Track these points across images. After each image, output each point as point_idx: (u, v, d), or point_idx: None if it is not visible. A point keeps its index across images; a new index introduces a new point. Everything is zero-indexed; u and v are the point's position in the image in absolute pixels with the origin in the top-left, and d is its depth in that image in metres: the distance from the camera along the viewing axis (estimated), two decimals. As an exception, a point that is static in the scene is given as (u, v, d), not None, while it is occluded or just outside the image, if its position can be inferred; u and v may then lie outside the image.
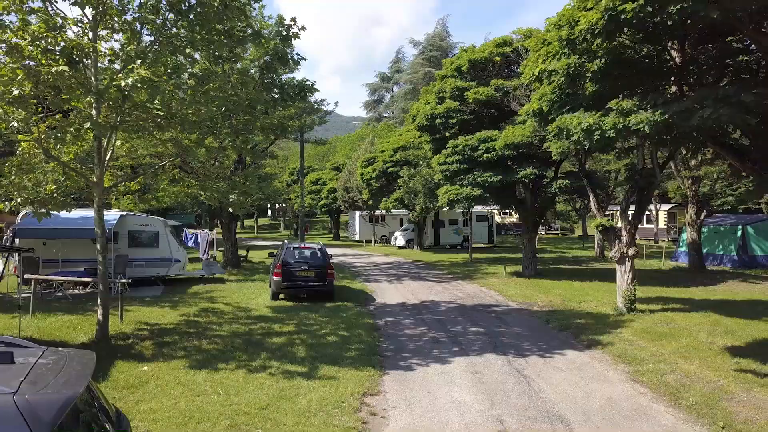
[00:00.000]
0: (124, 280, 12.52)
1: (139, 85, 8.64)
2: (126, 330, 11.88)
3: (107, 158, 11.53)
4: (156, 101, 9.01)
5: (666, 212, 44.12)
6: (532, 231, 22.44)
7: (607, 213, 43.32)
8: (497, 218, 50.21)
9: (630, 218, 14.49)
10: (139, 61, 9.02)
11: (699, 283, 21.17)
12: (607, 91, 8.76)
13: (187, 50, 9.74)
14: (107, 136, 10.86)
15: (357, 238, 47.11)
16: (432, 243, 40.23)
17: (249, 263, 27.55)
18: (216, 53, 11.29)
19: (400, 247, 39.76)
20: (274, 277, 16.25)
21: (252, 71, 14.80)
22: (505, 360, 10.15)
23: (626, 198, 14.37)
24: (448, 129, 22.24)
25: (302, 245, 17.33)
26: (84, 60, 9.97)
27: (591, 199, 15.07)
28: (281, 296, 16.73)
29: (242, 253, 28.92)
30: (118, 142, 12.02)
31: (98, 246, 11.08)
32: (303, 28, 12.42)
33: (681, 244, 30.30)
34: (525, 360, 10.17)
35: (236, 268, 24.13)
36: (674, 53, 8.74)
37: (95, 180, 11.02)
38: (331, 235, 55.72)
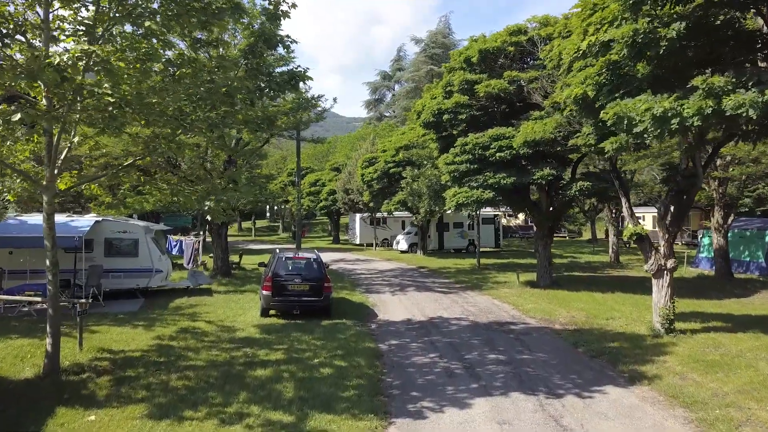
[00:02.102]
0: (83, 300, 10.72)
1: (79, 63, 6.84)
2: (83, 360, 10.06)
3: (62, 157, 9.78)
4: (106, 85, 7.22)
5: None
6: (547, 237, 20.62)
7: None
8: (503, 220, 48.37)
9: (668, 225, 12.68)
10: (83, 35, 7.23)
11: (730, 294, 19.40)
12: (666, 72, 6.95)
13: (147, 23, 7.94)
14: (59, 131, 9.11)
15: (357, 242, 45.28)
16: (436, 247, 38.42)
17: (241, 270, 25.72)
18: (187, 30, 9.47)
19: (402, 252, 37.92)
20: (264, 292, 14.44)
21: (241, 61, 13.01)
22: (536, 402, 8.34)
23: (665, 203, 12.55)
24: (456, 126, 20.43)
25: (295, 255, 15.49)
26: (23, 36, 8.19)
27: (623, 204, 13.25)
28: (272, 312, 14.94)
29: (234, 258, 27.09)
30: (77, 138, 10.23)
31: (48, 262, 9.29)
32: (294, 6, 10.64)
33: (702, 249, 28.49)
34: (560, 402, 8.36)
35: (226, 276, 22.31)
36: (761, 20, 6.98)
37: (45, 183, 9.24)
38: (331, 238, 53.89)
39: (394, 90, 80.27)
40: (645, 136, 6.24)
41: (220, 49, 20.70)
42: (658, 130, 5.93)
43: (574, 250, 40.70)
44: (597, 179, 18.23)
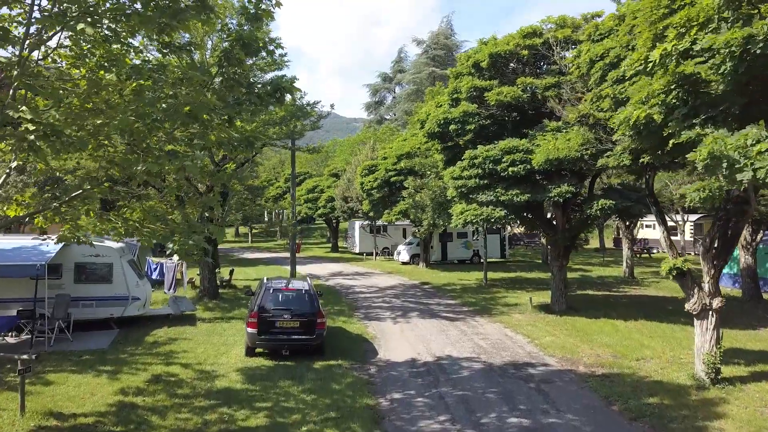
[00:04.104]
0: (26, 356, 9.01)
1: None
2: (23, 430, 8.35)
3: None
4: (23, 108, 5.52)
5: (693, 223, 40.63)
6: (563, 257, 18.88)
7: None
8: (507, 227, 46.61)
9: (714, 259, 10.97)
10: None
11: (764, 321, 17.70)
12: (758, 93, 5.22)
13: (80, 26, 6.23)
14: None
15: (357, 251, 43.51)
16: (439, 258, 36.62)
17: (231, 289, 23.95)
18: (154, 34, 7.75)
19: (403, 263, 36.14)
20: (249, 329, 12.72)
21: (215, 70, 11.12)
22: (577, 504, 6.63)
23: (711, 233, 10.83)
24: (463, 136, 18.72)
25: (284, 286, 13.75)
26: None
27: (661, 232, 11.55)
28: (259, 349, 13.21)
29: (225, 273, 25.32)
30: (15, 164, 8.52)
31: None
32: (278, 4, 8.93)
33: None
34: (608, 503, 6.65)
35: (213, 299, 20.54)
36: None
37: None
38: (329, 245, 52.10)
39: (394, 92, 78.61)
40: (747, 183, 4.57)
41: (208, 55, 19.00)
42: (781, 179, 4.28)
43: (582, 260, 38.94)
44: (620, 196, 16.49)
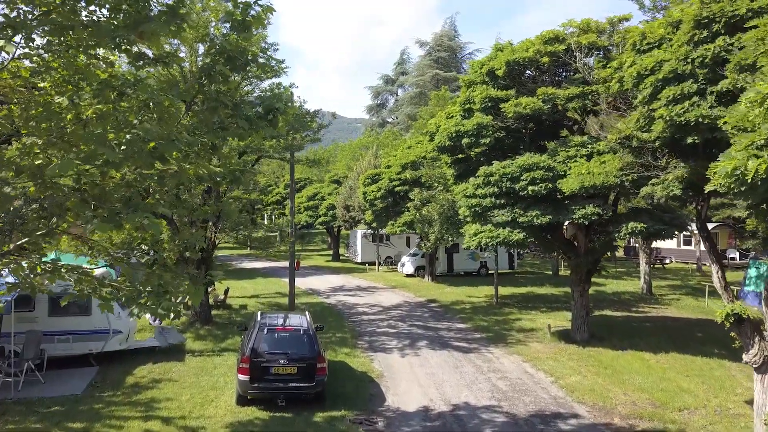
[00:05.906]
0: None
1: None
2: None
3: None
4: None
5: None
6: (585, 282, 17.39)
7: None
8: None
9: (777, 303, 9.46)
10: None
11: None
12: None
13: (1, 43, 4.74)
14: None
15: (359, 260, 42.00)
16: (444, 270, 35.09)
17: (226, 310, 22.47)
18: (126, 45, 6.23)
19: (407, 275, 34.62)
20: (240, 376, 11.22)
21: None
22: None
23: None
24: (475, 147, 17.23)
25: (280, 326, 12.21)
26: None
27: (714, 272, 10.02)
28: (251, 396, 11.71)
29: (219, 291, 23.83)
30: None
31: None
32: (270, 10, 7.43)
33: (748, 282, 25.20)
34: None
35: (206, 324, 19.05)
36: None
37: None
38: (330, 252, 50.54)
39: (396, 95, 77.06)
40: None
41: (200, 61, 17.47)
42: None
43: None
44: (651, 218, 14.94)
